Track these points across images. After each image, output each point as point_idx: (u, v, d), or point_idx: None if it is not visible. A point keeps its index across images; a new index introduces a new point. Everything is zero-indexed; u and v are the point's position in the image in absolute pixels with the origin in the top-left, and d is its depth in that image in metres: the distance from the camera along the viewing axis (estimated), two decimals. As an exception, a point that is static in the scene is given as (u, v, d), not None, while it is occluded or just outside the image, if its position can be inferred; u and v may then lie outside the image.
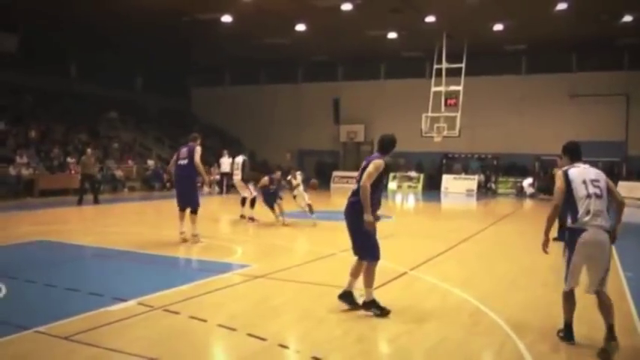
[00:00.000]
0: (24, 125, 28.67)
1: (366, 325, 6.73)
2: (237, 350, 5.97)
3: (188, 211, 12.30)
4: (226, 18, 27.15)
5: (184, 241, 12.16)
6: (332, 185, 36.19)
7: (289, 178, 16.63)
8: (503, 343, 6.27)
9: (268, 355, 5.84)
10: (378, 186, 7.09)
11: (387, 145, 7.28)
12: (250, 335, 6.24)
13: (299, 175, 16.78)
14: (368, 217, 6.82)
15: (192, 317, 6.80)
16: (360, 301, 7.21)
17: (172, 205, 13.27)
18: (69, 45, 32.06)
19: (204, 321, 6.68)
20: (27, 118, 29.61)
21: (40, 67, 30.64)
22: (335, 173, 37.36)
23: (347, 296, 7.28)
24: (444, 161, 36.15)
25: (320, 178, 37.24)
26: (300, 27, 28.68)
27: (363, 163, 7.14)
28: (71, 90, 34.23)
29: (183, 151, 12.42)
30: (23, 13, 27.47)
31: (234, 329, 6.40)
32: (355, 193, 7.05)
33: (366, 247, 7.09)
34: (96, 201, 21.24)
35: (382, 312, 6.96)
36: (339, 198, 29.47)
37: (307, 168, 39.46)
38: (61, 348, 5.82)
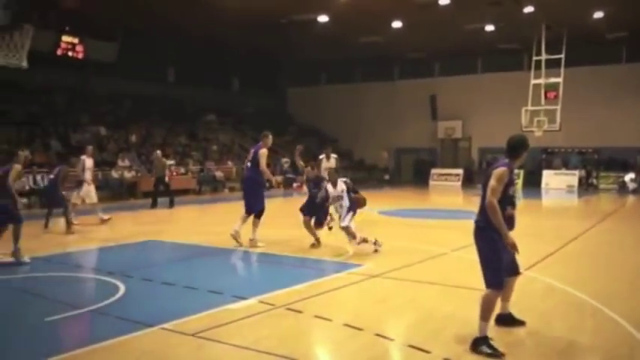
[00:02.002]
0: (124, 130, 29.53)
1: (493, 327, 6.21)
2: (367, 350, 5.70)
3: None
4: (323, 18, 27.10)
5: (236, 241, 11.59)
6: (430, 183, 35.64)
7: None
8: (632, 346, 5.85)
9: (399, 355, 5.62)
10: (504, 199, 5.73)
11: (517, 147, 5.99)
12: (378, 335, 6.00)
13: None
14: (507, 237, 5.59)
15: (317, 316, 6.63)
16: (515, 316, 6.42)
17: (272, 204, 13.18)
18: (166, 50, 32.82)
19: (329, 320, 6.48)
20: (127, 123, 30.49)
21: (138, 73, 31.40)
22: (433, 171, 36.75)
23: (505, 319, 6.34)
24: (544, 156, 34.88)
25: (418, 176, 37.04)
26: (397, 24, 28.27)
27: (488, 171, 5.92)
28: (169, 94, 35.03)
29: (251, 151, 12.11)
30: (122, 22, 28.37)
31: (360, 329, 6.16)
32: (481, 213, 5.81)
33: (490, 274, 5.78)
34: (171, 204, 20.40)
35: (494, 353, 5.51)
36: (438, 196, 29.08)
37: (405, 166, 39.17)
38: (189, 344, 5.76)
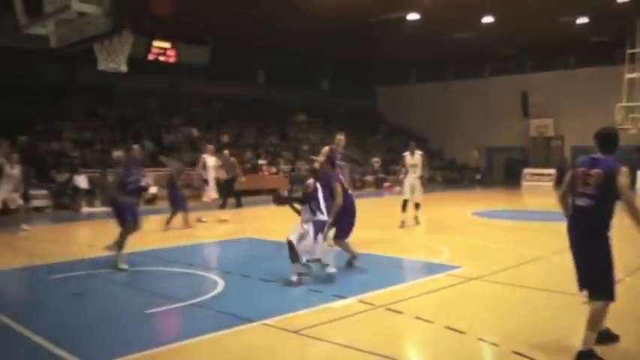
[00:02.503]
0: (215, 131, 30.22)
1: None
2: (471, 355, 5.61)
3: None
4: (413, 16, 26.88)
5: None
6: (523, 183, 34.64)
7: None
8: None
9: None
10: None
11: (615, 140, 5.57)
12: (481, 340, 5.87)
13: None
14: None
15: (417, 317, 6.52)
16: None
17: (364, 203, 13.09)
18: (256, 52, 33.37)
19: (431, 322, 6.37)
20: (218, 124, 31.21)
21: (229, 75, 32.03)
22: (525, 170, 35.66)
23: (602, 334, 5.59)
24: (638, 156, 33.20)
25: (509, 176, 36.11)
26: (487, 19, 27.70)
27: (594, 171, 5.36)
28: (260, 95, 35.60)
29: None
30: (213, 27, 29.01)
31: (462, 332, 6.02)
32: (587, 211, 5.36)
33: (602, 282, 5.33)
34: (239, 204, 20.24)
35: None
36: (530, 197, 28.29)
37: (496, 165, 38.28)
38: (292, 341, 5.81)
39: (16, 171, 14.03)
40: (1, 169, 13.88)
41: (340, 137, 12.01)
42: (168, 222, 14.24)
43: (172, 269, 9.37)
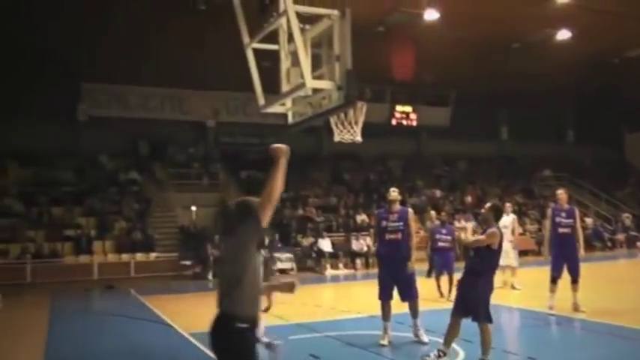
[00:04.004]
0: (459, 191, 29.97)
1: None
2: None
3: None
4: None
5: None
6: None
7: None
8: None
9: None
10: None
11: None
12: None
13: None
14: None
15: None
16: None
17: (614, 266, 11.88)
18: (497, 109, 32.81)
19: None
20: (462, 184, 30.95)
21: (470, 134, 31.79)
22: None
23: None
24: None
25: None
26: None
27: None
28: (503, 152, 34.83)
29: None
30: (453, 87, 29.11)
31: None
32: None
33: None
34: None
35: None
36: None
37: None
38: None
39: None
40: None
41: (560, 192, 11.33)
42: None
43: (404, 334, 9.15)
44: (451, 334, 7.40)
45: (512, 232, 14.69)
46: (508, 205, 15.81)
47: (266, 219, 4.29)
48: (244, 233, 4.27)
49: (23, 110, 23.83)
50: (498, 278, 14.09)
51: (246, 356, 4.24)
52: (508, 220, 14.48)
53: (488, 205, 7.62)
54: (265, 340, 8.16)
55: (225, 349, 4.24)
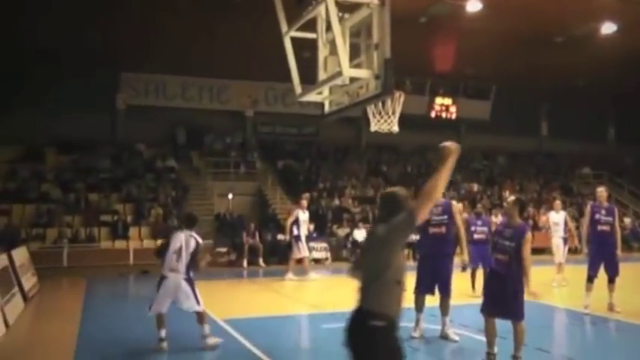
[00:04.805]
0: (497, 186, 29.65)
1: None
2: None
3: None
4: None
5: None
6: None
7: None
8: None
9: None
10: None
11: None
12: None
13: None
14: None
15: None
16: None
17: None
18: (538, 104, 32.32)
19: None
20: (500, 179, 30.60)
21: (510, 129, 31.40)
22: None
23: None
24: None
25: None
26: None
27: None
28: (542, 148, 34.39)
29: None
30: (494, 81, 28.72)
31: None
32: None
33: None
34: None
35: None
36: None
37: None
38: None
39: (306, 217, 16.04)
40: (297, 219, 15.60)
41: (601, 190, 11.11)
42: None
43: (436, 327, 8.99)
44: (490, 333, 7.24)
45: (567, 228, 14.72)
46: (558, 202, 15.94)
47: (423, 217, 4.01)
48: (394, 228, 4.01)
49: (63, 99, 24.19)
50: (550, 276, 14.11)
51: (376, 356, 3.97)
52: (559, 217, 14.65)
53: (512, 199, 7.48)
54: (207, 338, 8.17)
55: (357, 347, 4.04)
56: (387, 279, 3.99)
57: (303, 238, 15.90)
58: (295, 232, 15.78)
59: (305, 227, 15.95)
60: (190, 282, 8.18)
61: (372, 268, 4.05)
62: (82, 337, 8.26)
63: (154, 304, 8.09)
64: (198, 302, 8.13)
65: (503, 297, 6.97)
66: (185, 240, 8.15)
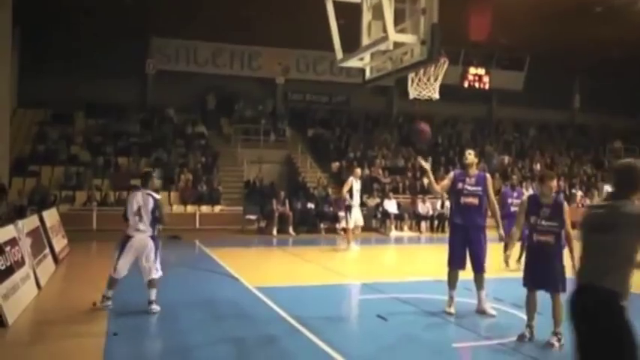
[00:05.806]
0: (528, 158, 29.26)
1: None
2: None
3: None
4: None
5: None
6: None
7: None
8: None
9: None
10: None
11: None
12: None
13: None
14: None
15: None
16: None
17: None
18: (572, 76, 31.68)
19: None
20: (531, 151, 30.19)
21: (543, 101, 30.89)
22: None
23: None
24: None
25: None
26: None
27: None
28: (574, 121, 33.82)
29: None
30: (528, 52, 28.12)
31: None
32: None
33: None
34: None
35: None
36: None
37: None
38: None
39: (359, 186, 15.84)
40: (351, 187, 15.30)
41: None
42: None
43: (472, 301, 8.87)
44: (532, 306, 7.09)
45: None
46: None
47: None
48: None
49: (93, 63, 24.25)
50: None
51: (628, 338, 3.76)
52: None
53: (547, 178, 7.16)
54: (152, 304, 8.16)
55: (602, 327, 3.82)
56: (633, 263, 3.86)
57: (355, 209, 15.68)
58: (348, 201, 15.55)
59: (357, 197, 15.69)
60: (155, 242, 8.28)
61: (619, 246, 3.85)
62: (114, 300, 8.26)
63: (117, 264, 8.18)
64: (157, 269, 8.22)
65: (546, 269, 6.84)
66: (143, 199, 8.21)
